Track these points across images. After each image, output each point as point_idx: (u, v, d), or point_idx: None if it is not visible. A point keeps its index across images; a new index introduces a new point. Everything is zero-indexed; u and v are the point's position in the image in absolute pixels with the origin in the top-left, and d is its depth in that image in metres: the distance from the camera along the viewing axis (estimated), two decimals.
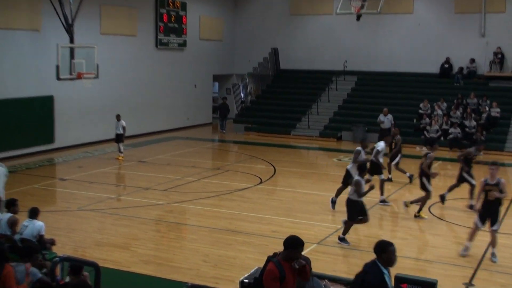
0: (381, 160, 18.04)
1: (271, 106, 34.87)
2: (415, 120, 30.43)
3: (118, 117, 24.44)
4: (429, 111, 30.19)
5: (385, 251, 7.39)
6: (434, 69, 33.68)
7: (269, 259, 7.21)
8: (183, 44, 34.22)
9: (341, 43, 35.79)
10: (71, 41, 23.57)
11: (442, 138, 28.47)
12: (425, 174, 16.15)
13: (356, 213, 13.62)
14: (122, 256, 12.62)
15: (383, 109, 27.54)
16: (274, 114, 33.82)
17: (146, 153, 26.10)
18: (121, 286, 10.89)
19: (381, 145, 18.18)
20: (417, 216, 16.09)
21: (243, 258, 12.61)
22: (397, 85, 33.85)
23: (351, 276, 10.33)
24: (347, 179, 16.56)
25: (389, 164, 20.76)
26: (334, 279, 9.08)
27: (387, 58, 34.68)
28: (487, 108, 29.31)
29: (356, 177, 13.87)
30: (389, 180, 20.46)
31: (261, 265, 9.57)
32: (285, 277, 7.02)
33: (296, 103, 34.51)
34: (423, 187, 16.21)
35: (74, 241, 13.71)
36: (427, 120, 29.45)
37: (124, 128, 24.21)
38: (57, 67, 22.45)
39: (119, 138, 24.30)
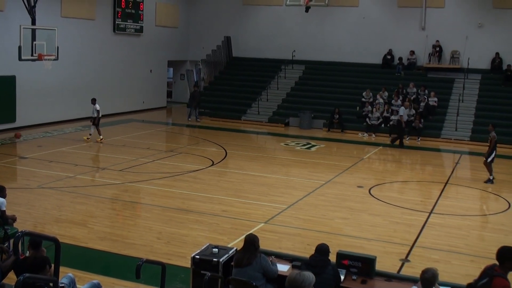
0: None
1: (223, 92, 34.86)
2: (358, 108, 30.80)
3: (93, 101, 24.03)
4: (371, 100, 30.60)
5: None
6: (377, 59, 34.08)
7: (494, 275, 6.78)
8: (140, 30, 33.97)
9: (290, 33, 35.93)
10: (33, 22, 23.22)
11: (383, 125, 28.99)
12: None
13: None
14: (79, 232, 12.61)
15: (404, 103, 27.87)
16: (226, 100, 33.85)
17: (103, 134, 25.87)
18: (79, 261, 10.88)
19: None
20: None
21: (195, 235, 12.70)
22: (342, 75, 34.10)
23: (295, 253, 10.60)
24: None
25: (485, 163, 19.44)
26: (279, 256, 9.26)
27: (333, 49, 34.95)
28: (425, 98, 29.84)
29: None
30: (491, 181, 19.19)
31: (212, 242, 9.75)
32: None
33: (247, 89, 34.58)
34: None
35: (34, 217, 13.65)
36: (369, 108, 29.85)
37: (98, 111, 23.89)
38: (20, 47, 22.13)
39: (93, 121, 24.05)
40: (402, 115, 26.28)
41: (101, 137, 24.04)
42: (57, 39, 23.70)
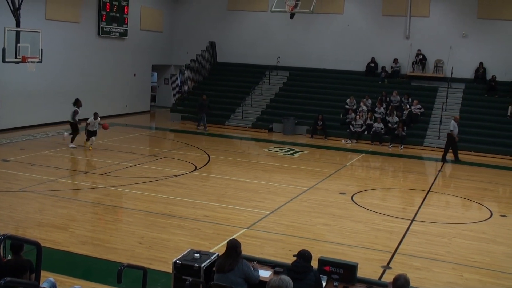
0: None
1: (207, 97, 34.84)
2: (341, 115, 30.91)
3: (96, 116, 23.24)
4: (354, 107, 30.75)
5: None
6: (361, 67, 34.27)
7: None
8: (124, 34, 33.93)
9: (275, 39, 36.07)
10: (17, 24, 23.09)
11: (366, 132, 29.12)
12: None
13: None
14: (61, 237, 12.53)
15: (454, 116, 26.47)
16: (209, 105, 33.78)
17: (84, 138, 25.80)
18: (60, 265, 10.82)
19: None
20: None
21: (177, 240, 12.67)
22: (326, 82, 34.25)
23: (277, 258, 10.61)
24: None
25: None
26: (262, 262, 9.26)
27: (317, 56, 35.12)
28: (408, 106, 30.03)
29: None
30: None
31: (193, 248, 9.73)
32: None
33: (231, 95, 34.61)
34: None
35: (16, 221, 13.53)
36: (353, 115, 29.97)
37: (100, 124, 23.47)
38: (3, 50, 22.00)
39: (93, 133, 23.29)
40: (452, 130, 25.14)
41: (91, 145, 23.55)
42: (41, 42, 23.60)
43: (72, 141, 23.45)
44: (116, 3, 32.93)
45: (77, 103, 23.71)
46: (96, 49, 31.94)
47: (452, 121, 25.50)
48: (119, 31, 33.45)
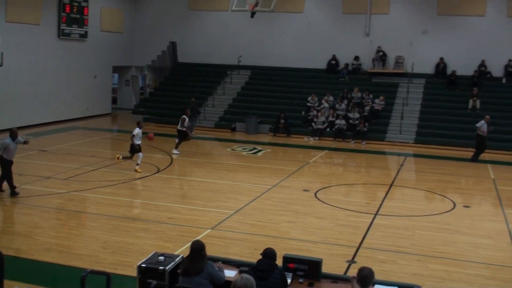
0: None
1: (169, 98, 34.69)
2: (303, 113, 31.06)
3: (140, 125, 20.82)
4: (316, 104, 30.93)
5: None
6: (322, 65, 34.49)
7: None
8: (85, 35, 33.62)
9: (236, 38, 36.08)
10: None
11: (328, 129, 29.31)
12: None
13: None
14: (24, 244, 12.39)
15: (485, 116, 25.13)
16: (171, 106, 33.58)
17: (47, 142, 25.54)
18: (24, 274, 10.69)
19: None
20: None
21: (141, 244, 12.61)
22: (288, 80, 34.37)
23: (242, 258, 10.64)
24: None
25: None
26: (227, 262, 9.27)
27: (279, 54, 35.25)
28: (370, 102, 30.32)
29: None
30: None
31: (158, 250, 9.70)
32: None
33: (193, 95, 34.45)
34: None
35: None
36: (315, 112, 30.13)
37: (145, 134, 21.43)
38: None
39: (139, 148, 20.68)
40: (479, 127, 24.32)
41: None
42: (1, 45, 23.30)
43: (176, 147, 23.98)
44: (76, 4, 32.60)
45: (185, 110, 24.55)
46: (56, 51, 31.58)
47: (482, 121, 24.54)
48: (79, 33, 33.12)
